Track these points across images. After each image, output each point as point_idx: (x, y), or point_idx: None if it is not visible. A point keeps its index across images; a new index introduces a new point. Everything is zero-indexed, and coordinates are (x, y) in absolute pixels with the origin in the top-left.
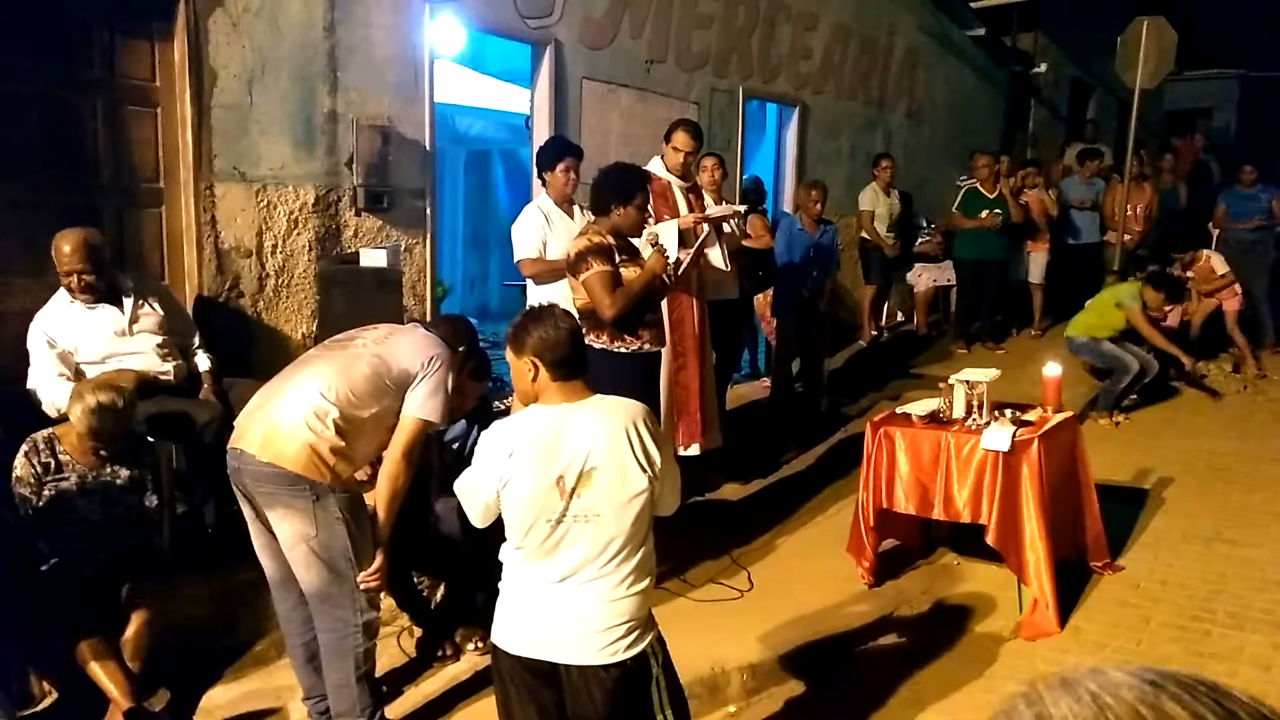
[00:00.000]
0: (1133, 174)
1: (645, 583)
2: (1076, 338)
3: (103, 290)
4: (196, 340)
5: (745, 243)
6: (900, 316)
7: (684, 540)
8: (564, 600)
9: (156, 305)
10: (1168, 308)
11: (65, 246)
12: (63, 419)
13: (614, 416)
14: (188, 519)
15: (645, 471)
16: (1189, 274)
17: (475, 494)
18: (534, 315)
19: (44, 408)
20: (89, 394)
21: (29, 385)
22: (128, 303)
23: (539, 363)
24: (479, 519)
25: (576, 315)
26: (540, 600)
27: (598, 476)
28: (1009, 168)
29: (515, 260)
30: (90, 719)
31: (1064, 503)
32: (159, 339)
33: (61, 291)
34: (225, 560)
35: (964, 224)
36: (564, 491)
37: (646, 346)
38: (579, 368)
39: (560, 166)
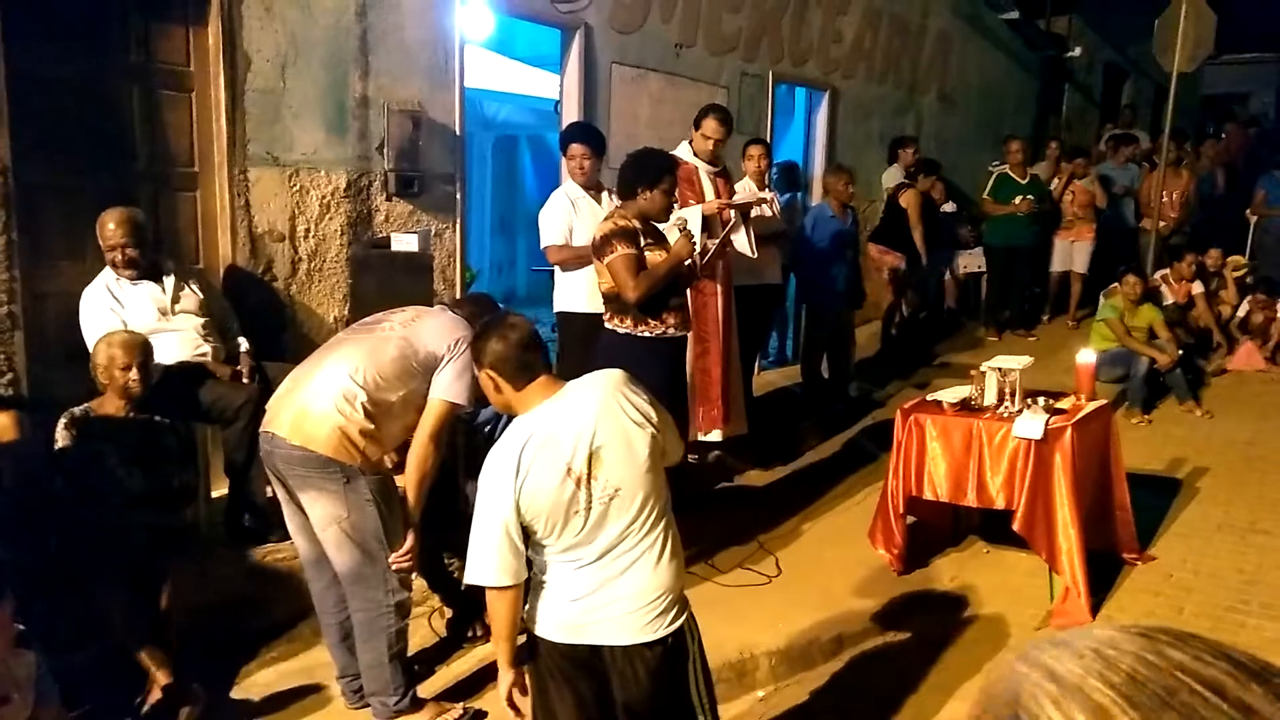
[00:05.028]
0: (1169, 160)
1: (679, 555)
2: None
3: (146, 267)
4: (235, 325)
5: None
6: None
7: (711, 525)
8: (604, 577)
9: (196, 288)
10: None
11: (110, 223)
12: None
13: (597, 392)
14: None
15: (646, 427)
16: None
17: (493, 525)
18: (485, 329)
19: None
20: (102, 341)
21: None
22: (169, 282)
23: (496, 376)
24: (506, 570)
25: (602, 299)
26: (579, 582)
27: (605, 453)
28: (1058, 153)
29: (542, 247)
30: (129, 693)
31: (1096, 492)
32: (200, 320)
33: (106, 270)
34: (259, 540)
35: (996, 210)
36: (580, 480)
37: (671, 331)
38: (536, 368)
39: (568, 152)
